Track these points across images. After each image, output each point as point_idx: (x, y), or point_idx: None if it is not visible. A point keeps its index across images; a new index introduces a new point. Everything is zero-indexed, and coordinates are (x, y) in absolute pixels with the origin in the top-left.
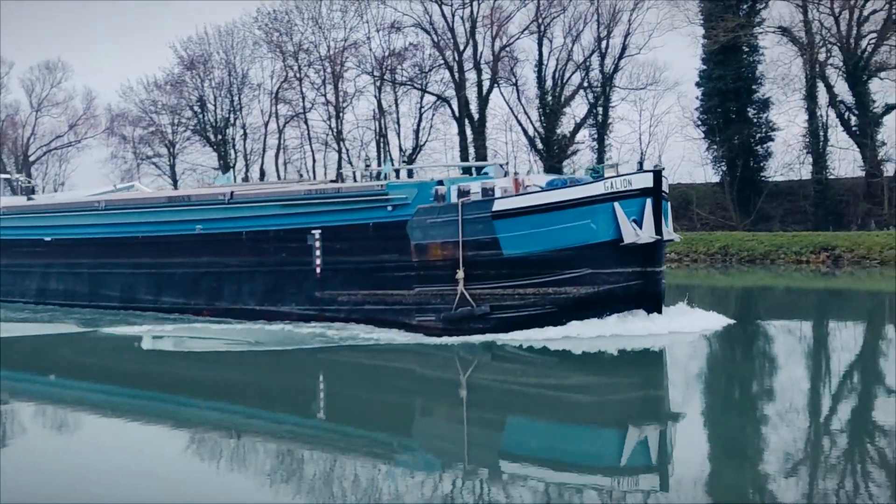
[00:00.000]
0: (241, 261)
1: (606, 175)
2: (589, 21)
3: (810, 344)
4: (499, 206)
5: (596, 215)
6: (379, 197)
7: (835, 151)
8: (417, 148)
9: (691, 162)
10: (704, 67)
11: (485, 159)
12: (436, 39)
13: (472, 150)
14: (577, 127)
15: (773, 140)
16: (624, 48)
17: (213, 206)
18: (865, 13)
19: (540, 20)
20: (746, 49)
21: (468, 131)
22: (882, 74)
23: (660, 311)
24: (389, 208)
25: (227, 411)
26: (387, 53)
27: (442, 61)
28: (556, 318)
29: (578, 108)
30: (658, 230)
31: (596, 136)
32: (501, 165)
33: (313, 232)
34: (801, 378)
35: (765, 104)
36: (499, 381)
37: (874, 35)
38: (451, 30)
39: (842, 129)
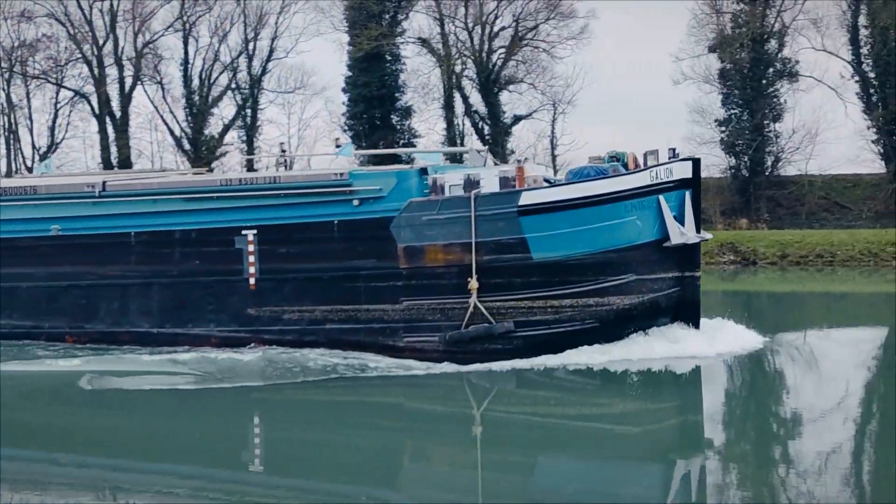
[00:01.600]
0: (125, 270)
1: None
2: (236, 22)
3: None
4: (527, 199)
5: (641, 210)
6: (339, 188)
7: None
8: (53, 146)
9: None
10: (350, 74)
11: (129, 159)
12: (72, 32)
13: (114, 150)
14: (226, 128)
15: (415, 146)
16: (272, 51)
17: (76, 201)
18: (496, 29)
19: (185, 18)
20: (389, 58)
21: (110, 129)
22: (511, 87)
23: (697, 325)
24: (355, 202)
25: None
26: (16, 44)
27: (80, 55)
28: (597, 335)
29: (227, 109)
30: (699, 228)
31: (245, 137)
32: (479, 152)
33: (245, 233)
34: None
35: (407, 111)
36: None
37: (504, 50)
38: (90, 22)
39: (476, 137)
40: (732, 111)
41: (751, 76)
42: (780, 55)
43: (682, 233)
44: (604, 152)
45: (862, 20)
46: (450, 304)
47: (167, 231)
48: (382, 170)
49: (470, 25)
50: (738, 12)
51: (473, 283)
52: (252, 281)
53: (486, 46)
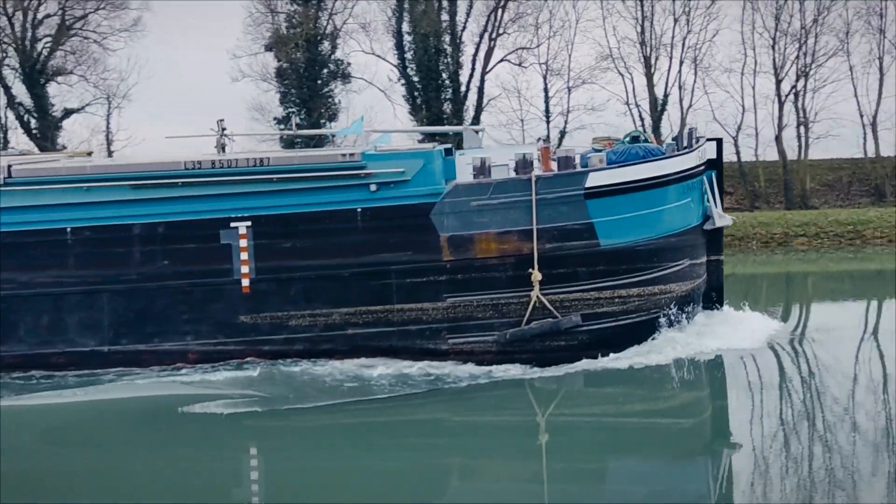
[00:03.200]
0: (57, 276)
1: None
2: None
3: None
4: (595, 180)
5: (693, 192)
6: (352, 171)
7: None
8: None
9: None
10: None
11: None
12: None
13: None
14: None
15: None
16: None
17: None
18: (40, 16)
19: None
20: None
21: None
22: (60, 79)
23: (721, 306)
24: (373, 187)
25: None
26: None
27: None
28: (659, 325)
29: None
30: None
31: None
32: (477, 131)
33: (235, 225)
34: None
35: None
36: None
37: (50, 39)
38: None
39: (23, 131)
40: (290, 110)
41: (306, 76)
42: (333, 57)
43: (721, 215)
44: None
45: (406, 27)
46: (504, 300)
47: (123, 225)
48: (404, 150)
49: (10, 11)
50: (292, 13)
51: (536, 275)
52: (245, 283)
53: (29, 34)
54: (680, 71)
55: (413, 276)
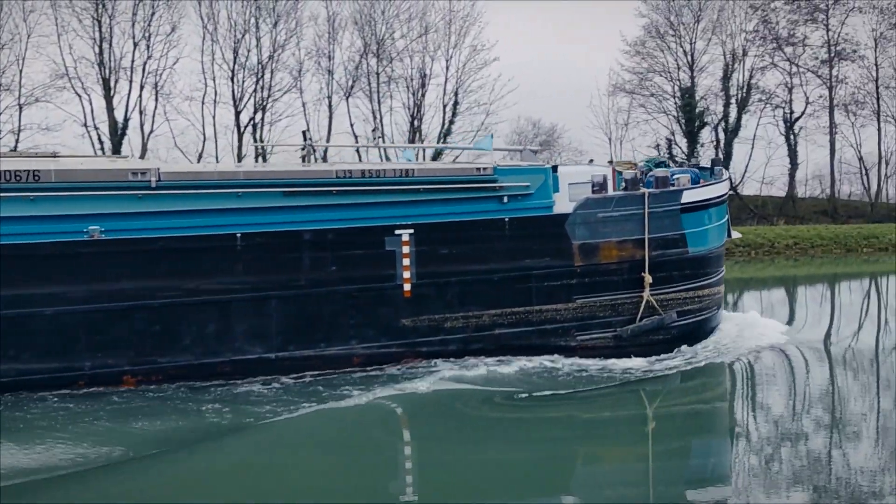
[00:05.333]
0: (225, 283)
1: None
2: None
3: None
4: (687, 197)
5: (725, 212)
6: (487, 184)
7: None
8: None
9: None
10: None
11: None
12: None
13: None
14: None
15: None
16: None
17: (125, 193)
18: None
19: None
20: None
21: None
22: None
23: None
24: (504, 199)
25: None
26: None
27: None
28: (717, 321)
29: None
30: None
31: None
32: (534, 151)
33: (399, 232)
34: None
35: None
36: None
37: None
38: None
39: None
40: None
41: None
42: None
43: (733, 230)
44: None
45: None
46: (620, 300)
47: (293, 232)
48: (527, 166)
49: None
50: None
51: (648, 278)
52: (407, 287)
53: None
54: (140, 95)
55: (550, 280)
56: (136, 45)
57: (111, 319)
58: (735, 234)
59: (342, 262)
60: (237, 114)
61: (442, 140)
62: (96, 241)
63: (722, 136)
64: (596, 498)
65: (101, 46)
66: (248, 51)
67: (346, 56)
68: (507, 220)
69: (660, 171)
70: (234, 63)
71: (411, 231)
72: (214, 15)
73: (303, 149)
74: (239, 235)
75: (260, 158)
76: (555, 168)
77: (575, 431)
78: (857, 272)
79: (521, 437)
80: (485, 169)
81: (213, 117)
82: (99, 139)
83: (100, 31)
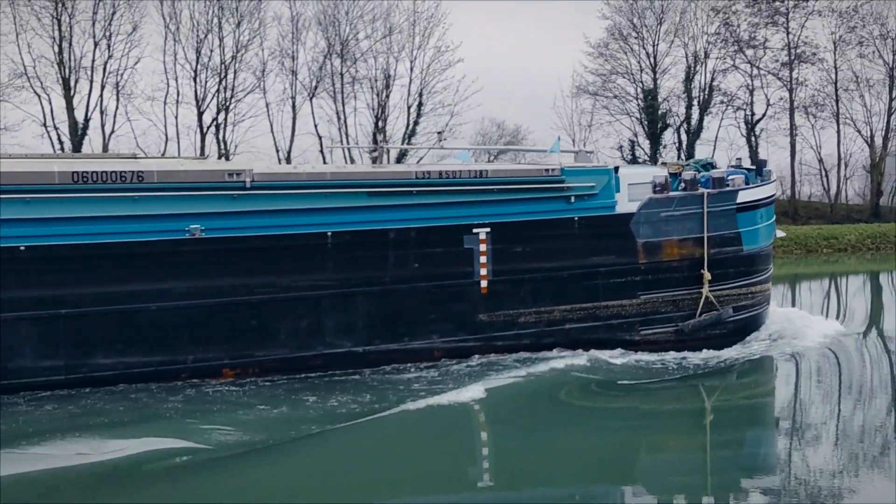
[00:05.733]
0: (316, 280)
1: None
2: None
3: None
4: (742, 197)
5: (773, 212)
6: (555, 185)
7: None
8: None
9: None
10: None
11: None
12: None
13: None
14: None
15: None
16: None
17: (222, 193)
18: None
19: None
20: None
21: None
22: None
23: None
24: (571, 199)
25: None
26: None
27: None
28: (766, 317)
29: None
30: None
31: None
32: (589, 153)
33: (476, 231)
34: None
35: None
36: None
37: None
38: None
39: None
40: None
41: None
42: None
43: (777, 230)
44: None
45: None
46: (680, 296)
47: (379, 230)
48: (591, 167)
49: None
50: None
51: (707, 275)
52: (484, 284)
53: None
54: (101, 95)
55: (616, 277)
56: (96, 44)
57: (211, 315)
58: (780, 234)
59: (423, 259)
60: (200, 114)
61: (406, 141)
62: (197, 239)
63: (684, 137)
64: (656, 484)
65: (60, 45)
66: (211, 51)
67: (309, 56)
68: (576, 219)
69: (716, 172)
70: (197, 63)
71: (488, 230)
72: (177, 14)
73: (374, 150)
74: (330, 234)
75: (223, 158)
76: (616, 169)
77: (637, 421)
78: (817, 272)
79: (591, 425)
80: (553, 170)
81: (176, 117)
82: (59, 139)
83: (59, 30)
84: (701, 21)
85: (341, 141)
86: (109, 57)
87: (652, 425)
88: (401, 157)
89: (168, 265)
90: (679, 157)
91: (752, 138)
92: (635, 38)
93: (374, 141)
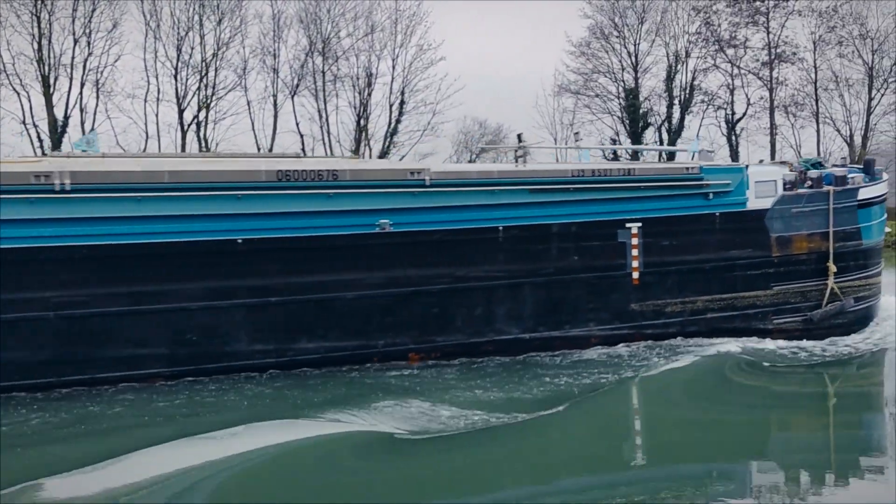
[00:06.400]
0: (489, 271)
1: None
2: None
3: None
4: (863, 194)
5: (885, 209)
6: (696, 182)
7: None
8: None
9: None
10: None
11: None
12: None
13: None
14: None
15: None
16: None
17: (405, 191)
18: None
19: None
20: None
21: None
22: None
23: None
24: (710, 195)
25: None
26: None
27: None
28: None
29: None
30: None
31: None
32: (710, 152)
33: (629, 226)
34: None
35: None
36: None
37: None
38: None
39: None
40: None
41: None
42: None
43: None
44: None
45: None
46: (808, 287)
47: (543, 225)
48: (726, 166)
49: None
50: None
51: (833, 267)
52: (635, 275)
53: None
54: (81, 93)
55: (751, 269)
56: (76, 41)
57: (399, 303)
58: (887, 230)
59: (582, 252)
60: (181, 112)
61: (389, 139)
62: (387, 233)
63: (665, 136)
64: (783, 460)
65: (40, 43)
66: (192, 48)
67: (291, 54)
68: (717, 214)
69: (837, 171)
70: (178, 61)
71: (639, 224)
72: (157, 12)
73: (517, 150)
74: (501, 228)
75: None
76: (746, 167)
77: (771, 401)
78: None
79: (737, 402)
80: (692, 168)
81: (157, 115)
82: (38, 137)
83: (39, 26)
84: (682, 20)
85: (323, 139)
86: (89, 54)
87: (783, 405)
88: (383, 154)
89: (361, 257)
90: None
91: (733, 137)
92: (617, 37)
93: (357, 139)
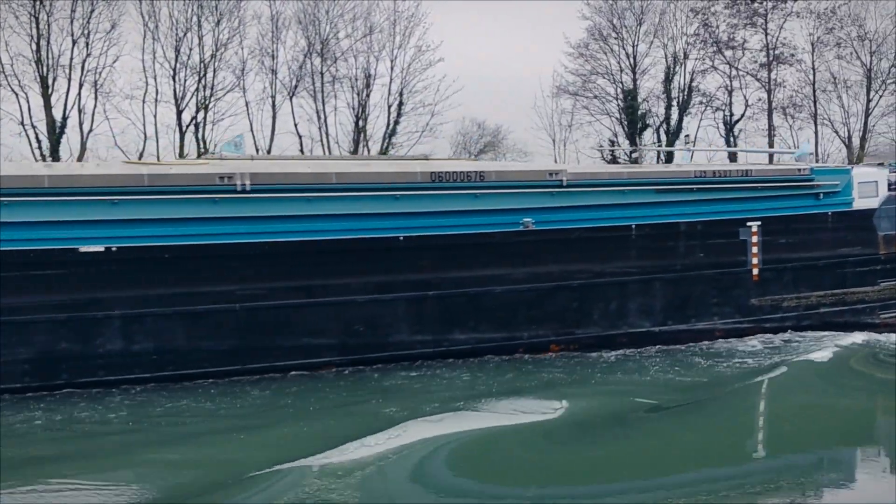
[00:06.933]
0: (622, 267)
1: None
2: None
3: None
4: None
5: None
6: (808, 183)
7: None
8: None
9: None
10: None
11: None
12: None
13: None
14: None
15: None
16: None
17: (545, 192)
18: None
19: None
20: None
21: None
22: None
23: None
24: (820, 196)
25: None
26: None
27: None
28: None
29: None
30: None
31: None
32: (809, 154)
33: (749, 224)
34: None
35: None
36: None
37: None
38: None
39: None
40: None
41: None
42: None
43: None
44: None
45: None
46: None
47: (671, 224)
48: (834, 167)
49: None
50: None
51: None
52: (755, 272)
53: None
54: (79, 94)
55: (860, 266)
56: (74, 42)
57: (541, 297)
58: None
59: (707, 249)
60: (179, 113)
61: (387, 140)
62: (531, 230)
63: (664, 137)
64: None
65: (38, 43)
66: (191, 49)
67: (289, 55)
68: (829, 213)
69: None
70: (176, 62)
71: (759, 223)
72: (155, 13)
73: (633, 152)
74: (633, 226)
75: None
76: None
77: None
78: None
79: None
80: (804, 170)
81: (155, 116)
82: (37, 138)
83: (37, 27)
84: (680, 22)
85: (321, 140)
86: (88, 55)
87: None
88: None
89: (508, 254)
90: (658, 157)
91: (731, 139)
92: (615, 38)
93: (356, 140)
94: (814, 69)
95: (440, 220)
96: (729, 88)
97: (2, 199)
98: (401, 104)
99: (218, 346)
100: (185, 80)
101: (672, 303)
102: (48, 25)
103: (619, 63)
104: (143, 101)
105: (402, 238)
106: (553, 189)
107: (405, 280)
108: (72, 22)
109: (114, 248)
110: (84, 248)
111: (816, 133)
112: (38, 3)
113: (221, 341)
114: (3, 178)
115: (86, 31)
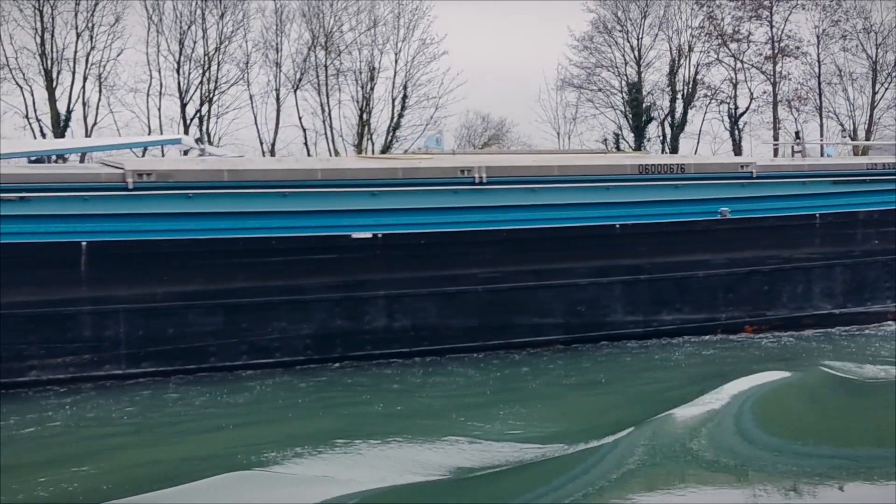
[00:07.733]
0: (808, 253)
1: None
2: None
3: None
4: None
5: None
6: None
7: None
8: None
9: None
10: None
11: None
12: None
13: None
14: None
15: None
16: None
17: (736, 183)
18: None
19: None
20: None
21: None
22: None
23: None
24: None
25: None
26: None
27: None
28: None
29: None
30: None
31: None
32: None
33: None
34: None
35: None
36: None
37: None
38: None
39: None
40: None
41: None
42: None
43: None
44: None
45: None
46: None
47: (850, 213)
48: None
49: None
50: None
51: None
52: None
53: None
54: (84, 87)
55: None
56: (78, 35)
57: (737, 281)
58: None
59: (882, 237)
60: (183, 106)
61: (391, 134)
62: (728, 219)
63: (668, 130)
64: None
65: (42, 37)
66: (195, 42)
67: (293, 48)
68: None
69: None
70: (180, 55)
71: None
72: (159, 6)
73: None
74: (818, 215)
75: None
76: None
77: None
78: None
79: None
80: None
81: (159, 109)
82: (41, 131)
83: (41, 21)
84: (685, 14)
85: (325, 133)
86: (92, 48)
87: None
88: (385, 150)
89: (708, 241)
90: (663, 149)
91: (736, 131)
92: (620, 31)
93: (359, 133)
94: (819, 62)
95: (649, 210)
96: (734, 81)
97: (283, 190)
98: (405, 97)
99: (464, 324)
100: (189, 74)
101: (851, 287)
102: (52, 19)
103: (623, 56)
104: (148, 95)
105: (618, 226)
106: (744, 180)
107: (620, 265)
108: (76, 15)
109: (379, 235)
110: (356, 235)
111: (821, 126)
112: None
113: (466, 320)
114: (282, 172)
115: (90, 25)
